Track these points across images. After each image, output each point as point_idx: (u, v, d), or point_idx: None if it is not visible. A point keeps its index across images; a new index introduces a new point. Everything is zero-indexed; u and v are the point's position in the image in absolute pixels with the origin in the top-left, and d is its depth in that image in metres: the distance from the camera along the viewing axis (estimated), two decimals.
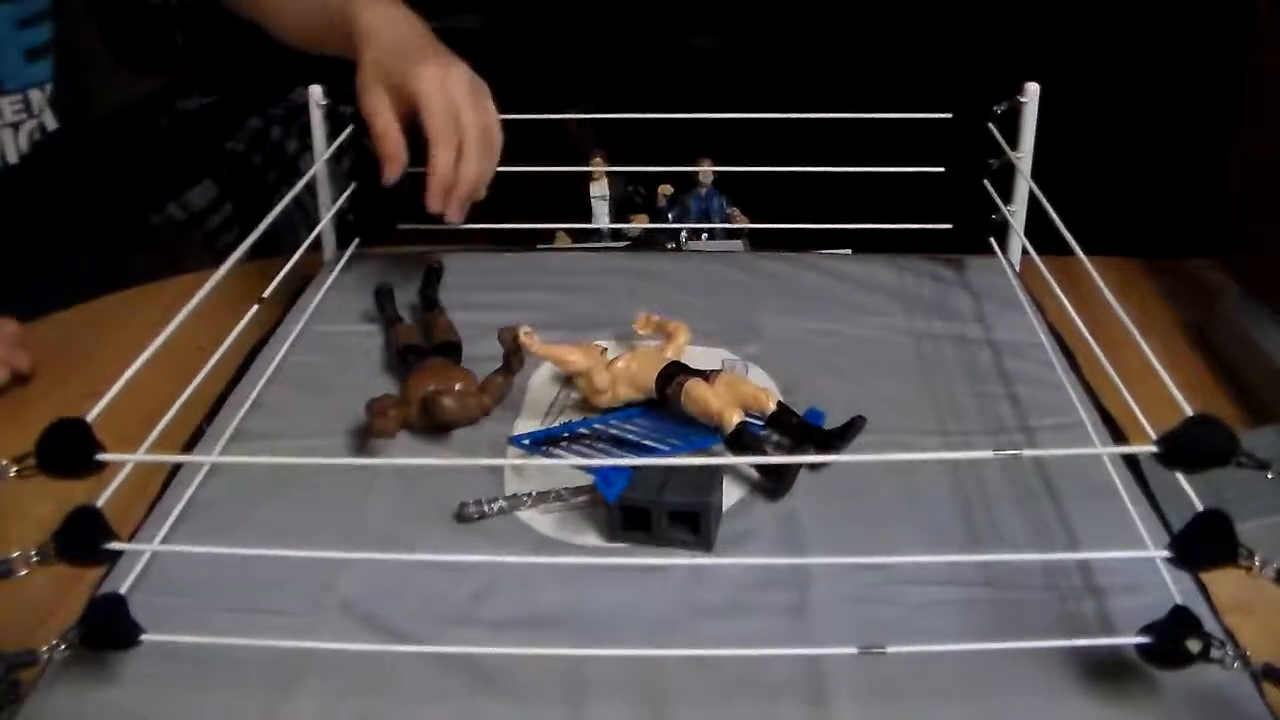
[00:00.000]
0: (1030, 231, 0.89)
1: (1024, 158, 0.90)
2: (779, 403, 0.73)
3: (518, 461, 0.71)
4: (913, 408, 0.76)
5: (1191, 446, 0.49)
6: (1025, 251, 0.89)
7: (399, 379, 0.78)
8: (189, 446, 0.72)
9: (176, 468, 0.69)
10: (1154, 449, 0.50)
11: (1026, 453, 0.69)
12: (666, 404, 0.74)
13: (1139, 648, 0.51)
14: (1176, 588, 0.54)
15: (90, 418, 0.53)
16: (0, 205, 1.05)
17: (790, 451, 0.71)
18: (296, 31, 0.98)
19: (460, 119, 0.81)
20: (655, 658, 0.54)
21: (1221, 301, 0.88)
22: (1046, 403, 0.75)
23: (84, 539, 0.52)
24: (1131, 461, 0.67)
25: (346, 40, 0.87)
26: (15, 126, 1.04)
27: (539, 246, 1.03)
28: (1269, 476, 0.50)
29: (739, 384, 0.74)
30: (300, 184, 0.88)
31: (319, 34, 0.93)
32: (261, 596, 0.58)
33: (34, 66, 1.05)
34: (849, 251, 0.98)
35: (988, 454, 0.65)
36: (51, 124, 1.08)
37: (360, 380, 0.80)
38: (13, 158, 1.05)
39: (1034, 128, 0.89)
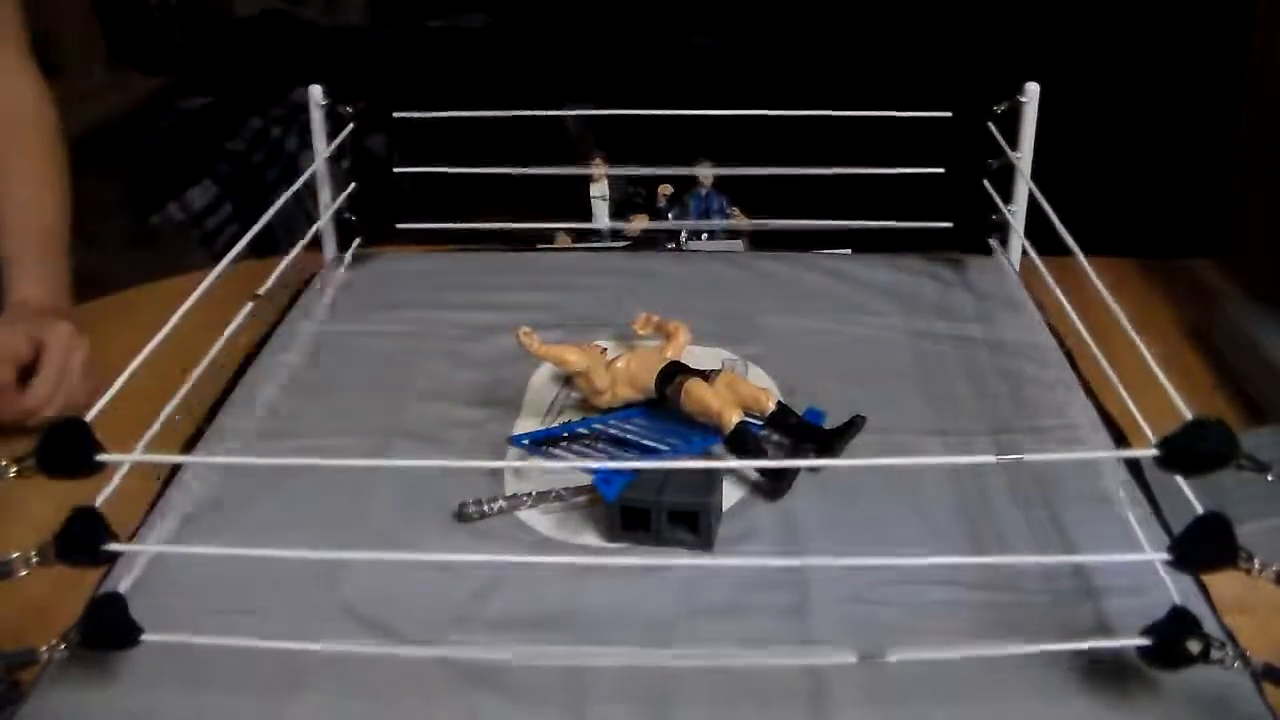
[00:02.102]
0: (1030, 231, 0.89)
1: (1024, 158, 0.90)
2: (779, 403, 0.73)
3: (518, 463, 0.71)
4: (913, 408, 0.75)
5: (1192, 450, 0.49)
6: (1025, 252, 0.89)
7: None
8: (189, 446, 0.72)
9: (176, 468, 0.69)
10: (1154, 453, 0.50)
11: (1029, 457, 0.69)
12: (666, 404, 0.74)
13: (1139, 649, 0.51)
14: (1176, 588, 0.54)
15: (89, 417, 0.53)
16: None
17: (790, 451, 0.71)
18: None
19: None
20: (655, 657, 0.54)
21: (1221, 301, 0.88)
22: (1046, 403, 0.75)
23: (84, 541, 0.52)
24: (1131, 462, 0.67)
25: None
26: None
27: (539, 246, 1.03)
28: (1269, 479, 0.50)
29: (739, 384, 0.74)
30: (299, 182, 0.87)
31: None
32: (262, 596, 0.58)
33: None
34: (849, 251, 0.98)
35: (989, 458, 0.65)
36: None
37: (361, 380, 0.80)
38: None
39: (1034, 128, 0.89)
